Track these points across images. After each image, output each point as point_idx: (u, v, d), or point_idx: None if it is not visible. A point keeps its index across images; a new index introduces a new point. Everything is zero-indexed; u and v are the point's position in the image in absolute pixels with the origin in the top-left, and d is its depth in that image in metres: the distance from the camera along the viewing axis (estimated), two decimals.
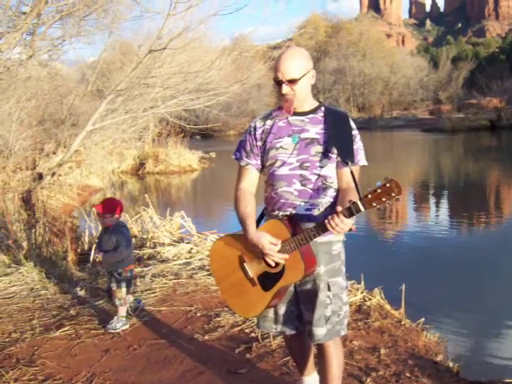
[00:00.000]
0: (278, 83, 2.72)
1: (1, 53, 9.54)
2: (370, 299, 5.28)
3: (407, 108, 72.19)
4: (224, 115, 28.43)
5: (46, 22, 10.30)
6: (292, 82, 2.69)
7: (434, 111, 64.75)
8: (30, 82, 12.69)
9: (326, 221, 2.50)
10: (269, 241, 2.63)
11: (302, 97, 2.76)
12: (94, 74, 16.84)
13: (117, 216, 4.78)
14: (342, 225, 2.46)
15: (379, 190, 2.39)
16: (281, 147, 2.79)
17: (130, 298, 4.97)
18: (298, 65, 2.69)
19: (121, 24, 12.88)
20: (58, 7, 9.74)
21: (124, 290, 4.84)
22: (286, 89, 2.70)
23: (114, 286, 4.77)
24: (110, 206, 4.75)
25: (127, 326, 4.80)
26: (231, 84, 15.27)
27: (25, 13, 9.27)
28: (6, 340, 4.59)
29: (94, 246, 5.18)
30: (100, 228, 5.25)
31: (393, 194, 2.37)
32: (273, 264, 2.69)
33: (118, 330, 4.71)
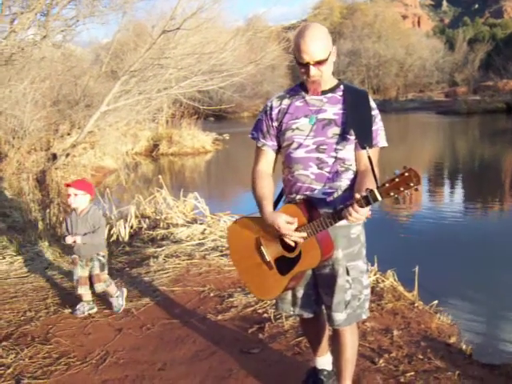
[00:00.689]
0: (304, 65, 2.59)
1: (15, 33, 9.54)
2: (383, 281, 5.26)
3: (423, 90, 71.22)
4: (238, 96, 28.29)
5: (59, 2, 10.29)
6: (320, 63, 2.57)
7: (450, 93, 63.76)
8: (44, 62, 12.73)
9: (343, 211, 2.44)
10: (285, 220, 2.58)
11: (328, 76, 2.67)
12: (107, 55, 16.87)
13: (91, 198, 4.71)
14: (359, 215, 2.38)
15: (397, 179, 2.29)
16: (297, 128, 2.70)
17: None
18: (323, 45, 2.56)
19: (134, 4, 12.87)
20: None
21: (106, 271, 4.80)
22: (314, 71, 2.58)
23: (97, 270, 4.68)
24: (84, 185, 4.66)
25: (125, 294, 4.88)
26: (245, 65, 15.22)
27: None
28: (22, 318, 4.65)
29: (63, 232, 4.94)
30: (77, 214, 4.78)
31: (411, 184, 2.27)
32: (292, 244, 2.63)
33: (124, 306, 4.76)
